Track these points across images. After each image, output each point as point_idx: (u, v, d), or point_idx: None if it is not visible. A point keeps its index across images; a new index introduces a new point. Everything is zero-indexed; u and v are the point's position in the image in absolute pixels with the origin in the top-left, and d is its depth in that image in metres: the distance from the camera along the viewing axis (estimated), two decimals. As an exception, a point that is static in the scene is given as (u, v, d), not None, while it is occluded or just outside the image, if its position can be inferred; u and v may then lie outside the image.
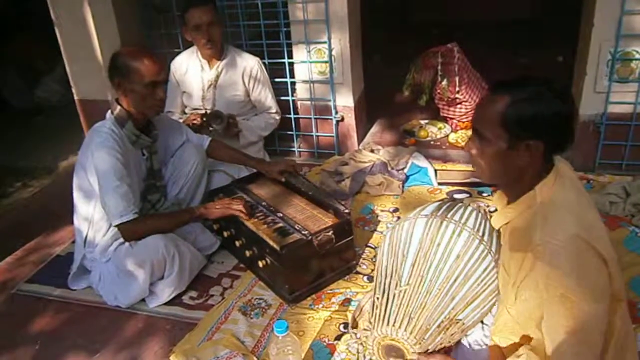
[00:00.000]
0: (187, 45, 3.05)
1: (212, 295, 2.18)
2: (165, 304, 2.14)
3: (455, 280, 1.53)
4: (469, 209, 1.71)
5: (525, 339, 1.35)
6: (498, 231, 1.65)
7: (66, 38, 3.41)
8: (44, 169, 3.95)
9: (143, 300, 2.15)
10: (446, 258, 1.55)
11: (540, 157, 1.26)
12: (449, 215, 1.64)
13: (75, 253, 2.28)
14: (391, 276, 1.59)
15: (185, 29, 2.74)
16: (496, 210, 1.50)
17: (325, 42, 2.94)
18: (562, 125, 1.26)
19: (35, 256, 2.58)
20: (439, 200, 1.82)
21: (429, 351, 1.50)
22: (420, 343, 1.47)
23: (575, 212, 1.25)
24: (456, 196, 2.69)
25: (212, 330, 1.97)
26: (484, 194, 2.72)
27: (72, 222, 2.75)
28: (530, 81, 1.27)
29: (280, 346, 1.53)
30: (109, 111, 2.14)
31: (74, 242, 2.58)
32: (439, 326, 1.50)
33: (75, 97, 3.63)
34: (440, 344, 1.50)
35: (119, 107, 2.10)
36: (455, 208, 1.70)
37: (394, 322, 1.48)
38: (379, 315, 1.53)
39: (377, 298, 1.57)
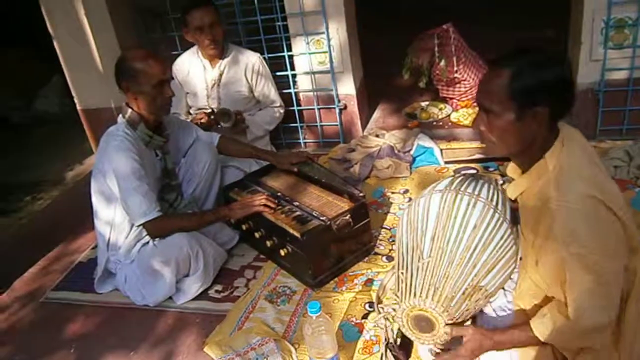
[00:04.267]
0: (185, 47, 3.09)
1: (237, 287, 2.23)
2: (193, 299, 2.19)
3: (475, 249, 1.58)
4: (481, 181, 1.75)
5: (548, 301, 1.41)
6: (512, 200, 1.72)
7: (65, 49, 3.44)
8: (51, 181, 3.98)
9: (170, 298, 2.20)
10: (464, 229, 1.60)
11: (546, 123, 1.32)
12: (462, 189, 1.69)
13: (98, 257, 2.33)
14: (413, 251, 1.64)
15: (187, 30, 2.77)
16: (508, 181, 1.56)
17: (323, 33, 2.98)
18: (564, 90, 1.32)
19: (58, 265, 2.63)
20: (451, 176, 1.87)
21: (457, 319, 1.55)
22: (447, 311, 1.52)
23: (585, 174, 1.31)
24: (464, 172, 2.75)
25: (241, 320, 2.03)
26: (490, 169, 2.78)
27: (88, 229, 2.84)
28: (528, 51, 1.33)
29: (314, 326, 1.59)
30: (120, 115, 2.19)
31: (94, 247, 2.65)
32: (463, 293, 1.55)
33: (78, 107, 3.66)
34: (467, 310, 1.55)
35: (129, 110, 2.14)
36: (468, 181, 1.74)
37: (421, 293, 1.54)
38: (405, 289, 1.58)
39: (402, 273, 1.62)
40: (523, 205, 1.45)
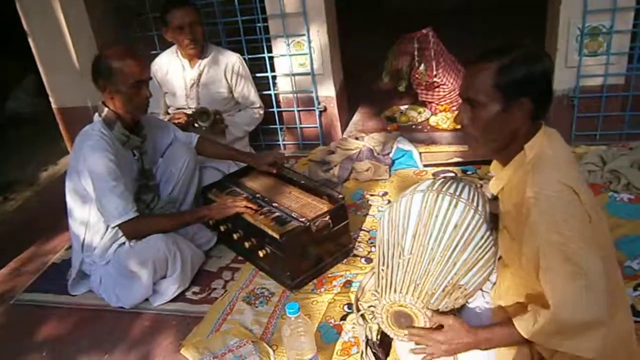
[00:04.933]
0: (164, 47, 3.07)
1: (215, 289, 2.21)
2: (169, 301, 2.16)
3: (455, 248, 1.59)
4: (462, 183, 1.77)
5: (532, 298, 1.41)
6: (494, 198, 1.74)
7: (40, 47, 3.38)
8: (25, 182, 3.90)
9: (146, 300, 2.17)
10: (445, 228, 1.61)
11: (530, 117, 1.34)
12: (444, 189, 1.70)
13: (72, 258, 2.28)
14: (394, 248, 1.64)
15: (167, 29, 2.74)
16: (489, 180, 1.58)
17: (304, 35, 2.98)
18: (548, 83, 1.36)
19: (30, 266, 2.56)
20: (432, 178, 1.89)
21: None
22: (427, 307, 1.53)
23: (562, 166, 1.34)
24: (444, 175, 2.77)
25: (219, 321, 2.01)
26: (469, 172, 2.81)
27: (62, 230, 2.79)
28: (514, 46, 1.35)
29: (293, 327, 1.58)
30: (96, 114, 2.15)
31: (68, 248, 2.60)
32: (443, 291, 1.56)
33: (54, 106, 3.59)
34: (446, 308, 1.56)
35: (106, 109, 2.10)
36: (449, 182, 1.75)
37: (401, 289, 1.54)
38: (385, 285, 1.58)
39: (382, 269, 1.62)
40: (504, 199, 1.47)
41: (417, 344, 1.52)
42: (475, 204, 1.68)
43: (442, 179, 1.79)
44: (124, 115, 2.12)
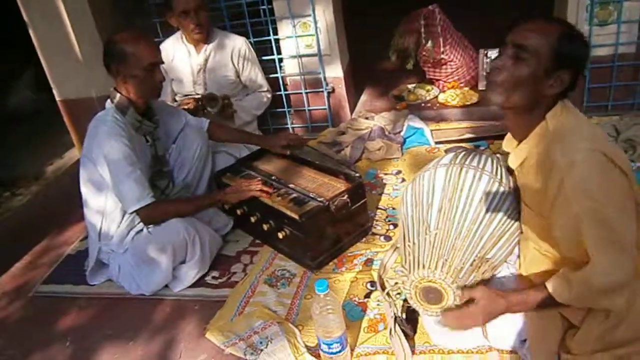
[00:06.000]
0: (166, 34, 3.03)
1: (235, 273, 2.20)
2: (189, 286, 2.15)
3: (481, 222, 1.58)
4: (484, 155, 1.75)
5: (559, 269, 1.40)
6: (510, 172, 1.73)
7: (41, 39, 3.32)
8: (31, 176, 3.87)
9: (166, 286, 2.16)
10: (470, 201, 1.60)
11: (560, 91, 1.34)
12: (467, 162, 1.68)
13: (89, 248, 2.26)
14: (419, 224, 1.63)
15: (171, 14, 2.70)
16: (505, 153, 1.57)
17: (309, 15, 2.94)
18: (584, 68, 1.37)
19: (46, 258, 2.55)
20: (453, 150, 1.87)
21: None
22: (456, 282, 1.52)
23: (588, 132, 1.34)
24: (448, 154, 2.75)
25: (241, 304, 2.00)
26: (481, 148, 2.79)
27: (74, 222, 2.78)
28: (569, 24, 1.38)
29: (322, 305, 1.57)
30: (108, 100, 2.12)
31: (83, 239, 2.59)
32: (471, 265, 1.55)
33: (57, 98, 3.55)
34: (475, 281, 1.55)
35: (118, 95, 2.08)
36: (472, 155, 1.74)
37: (429, 265, 1.53)
38: (413, 261, 1.57)
39: (409, 246, 1.61)
40: (526, 173, 1.45)
41: (455, 324, 1.50)
42: (499, 176, 1.66)
43: (464, 152, 1.77)
44: (136, 100, 2.09)
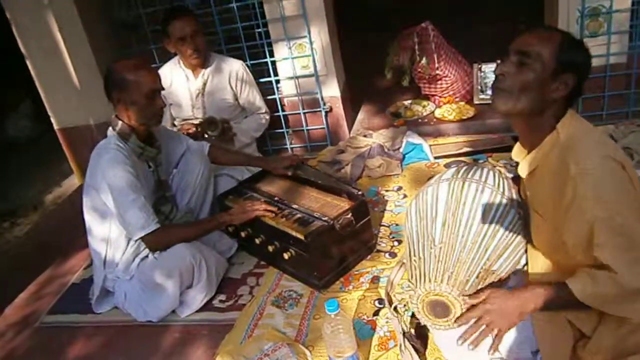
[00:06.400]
0: (163, 59, 3.06)
1: (241, 295, 2.20)
2: (197, 311, 2.14)
3: (486, 234, 1.59)
4: (486, 169, 1.78)
5: (568, 275, 1.40)
6: (517, 185, 1.75)
7: (39, 68, 3.35)
8: (29, 205, 3.88)
9: (173, 311, 2.15)
10: (474, 214, 1.61)
11: (568, 95, 1.37)
12: (469, 176, 1.70)
13: (94, 277, 2.26)
14: (424, 238, 1.64)
15: (169, 41, 2.74)
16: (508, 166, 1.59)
17: (305, 37, 2.98)
18: (587, 75, 1.41)
19: (50, 288, 2.54)
20: (452, 165, 1.89)
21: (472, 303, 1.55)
22: (462, 294, 1.53)
23: (599, 139, 1.37)
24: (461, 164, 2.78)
25: (250, 327, 1.99)
26: (480, 161, 2.82)
27: (77, 251, 2.78)
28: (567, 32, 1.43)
29: (333, 324, 1.57)
30: (110, 128, 2.14)
31: (86, 267, 2.59)
32: (477, 277, 1.56)
33: (56, 127, 3.56)
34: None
35: (120, 123, 2.10)
36: (473, 169, 1.76)
37: (435, 278, 1.54)
38: (419, 275, 1.58)
39: (415, 260, 1.62)
40: (537, 181, 1.47)
41: (475, 323, 1.49)
42: (501, 189, 1.68)
43: (466, 166, 1.80)
44: (138, 127, 2.11)
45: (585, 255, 1.33)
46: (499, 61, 1.48)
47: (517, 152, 1.59)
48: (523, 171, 1.52)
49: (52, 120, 3.54)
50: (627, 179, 1.30)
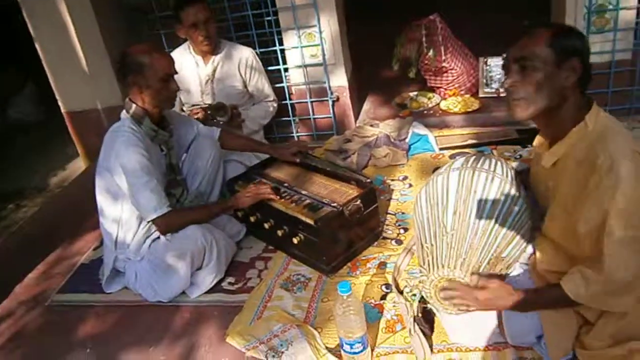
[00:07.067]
0: (172, 45, 3.09)
1: (250, 278, 2.24)
2: (206, 292, 2.18)
3: (496, 222, 1.64)
4: (494, 159, 1.82)
5: (575, 264, 1.46)
6: (522, 176, 1.80)
7: (48, 51, 3.37)
8: (34, 188, 3.90)
9: (183, 293, 2.19)
10: (484, 203, 1.66)
11: (579, 80, 1.41)
12: (478, 166, 1.75)
13: (105, 257, 2.29)
14: (435, 225, 1.69)
15: (180, 27, 2.76)
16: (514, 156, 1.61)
17: (315, 26, 3.01)
18: (589, 53, 1.46)
19: (59, 268, 2.57)
20: (457, 156, 1.93)
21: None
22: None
23: (627, 134, 1.41)
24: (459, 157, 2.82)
25: (259, 309, 2.03)
26: (485, 153, 2.84)
27: (85, 232, 2.81)
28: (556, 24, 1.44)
29: (344, 305, 1.61)
30: (124, 111, 2.17)
31: (96, 249, 2.63)
32: (488, 263, 1.61)
33: (63, 110, 3.58)
34: (492, 278, 1.61)
35: (134, 106, 2.12)
36: (482, 159, 1.80)
37: (448, 264, 1.58)
38: (432, 262, 1.63)
39: (427, 247, 1.67)
40: (561, 171, 1.50)
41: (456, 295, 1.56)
42: (509, 178, 1.73)
43: (474, 156, 1.84)
44: (152, 110, 2.14)
45: (593, 245, 1.37)
46: (504, 55, 1.52)
47: (538, 144, 1.63)
48: (547, 162, 1.54)
49: (60, 103, 3.56)
50: None
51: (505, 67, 1.50)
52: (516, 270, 1.74)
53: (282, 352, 1.80)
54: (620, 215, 1.30)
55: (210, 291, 2.18)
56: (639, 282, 1.36)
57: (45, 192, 3.86)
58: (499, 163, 1.78)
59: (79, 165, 3.91)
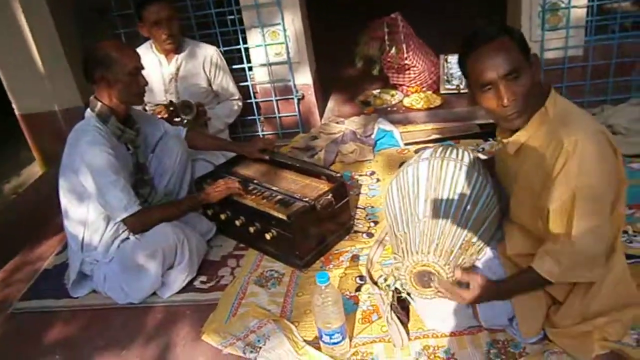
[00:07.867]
0: (133, 45, 3.01)
1: (223, 276, 2.22)
2: (178, 292, 2.15)
3: (465, 208, 1.69)
4: (460, 149, 1.88)
5: (543, 243, 1.52)
6: (488, 164, 1.86)
7: (1, 54, 3.24)
8: (-17, 196, 3.73)
9: (154, 294, 2.15)
10: (454, 190, 1.71)
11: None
12: (446, 155, 1.80)
13: (70, 261, 2.22)
14: (407, 214, 1.72)
15: (142, 25, 2.71)
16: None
17: (279, 24, 3.01)
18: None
19: (19, 275, 2.47)
20: (431, 146, 1.98)
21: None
22: (448, 264, 1.61)
23: (587, 115, 1.49)
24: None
25: (234, 306, 2.02)
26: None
27: (45, 237, 2.72)
28: (491, 24, 1.56)
29: (323, 296, 1.62)
30: (88, 109, 2.12)
31: (58, 253, 2.55)
32: (460, 247, 1.65)
33: (17, 113, 3.44)
34: (464, 263, 1.66)
35: (99, 104, 2.08)
36: (450, 149, 1.86)
37: (422, 250, 1.62)
38: (406, 248, 1.66)
39: (400, 235, 1.70)
40: (524, 157, 1.56)
41: (445, 293, 1.60)
42: (477, 167, 1.78)
43: (442, 147, 1.89)
44: (118, 108, 2.10)
45: (561, 222, 1.44)
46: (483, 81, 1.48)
47: (501, 133, 1.68)
48: (511, 149, 1.59)
49: (14, 105, 3.43)
50: (610, 152, 1.42)
51: (490, 89, 1.48)
52: (487, 254, 1.79)
53: (260, 347, 1.79)
54: (587, 192, 1.38)
55: (182, 291, 2.15)
56: (603, 251, 1.46)
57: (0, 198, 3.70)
58: (465, 152, 1.84)
59: (34, 170, 3.77)
